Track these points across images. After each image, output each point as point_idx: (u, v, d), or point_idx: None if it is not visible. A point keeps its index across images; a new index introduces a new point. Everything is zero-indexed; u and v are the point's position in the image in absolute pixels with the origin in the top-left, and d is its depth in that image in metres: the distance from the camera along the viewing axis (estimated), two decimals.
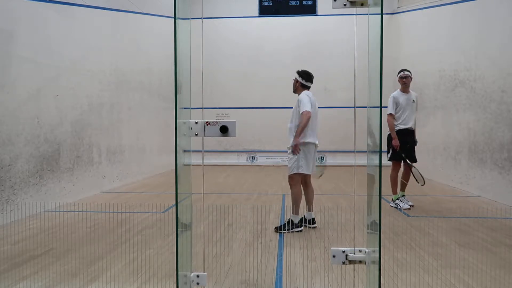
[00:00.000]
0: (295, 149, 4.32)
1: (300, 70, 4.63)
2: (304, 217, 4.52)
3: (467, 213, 5.18)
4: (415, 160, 5.64)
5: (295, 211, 4.39)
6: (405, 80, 5.53)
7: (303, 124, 4.28)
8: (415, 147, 5.67)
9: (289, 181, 4.51)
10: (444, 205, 5.75)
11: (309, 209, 4.55)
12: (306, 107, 4.30)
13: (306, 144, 4.38)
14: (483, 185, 6.42)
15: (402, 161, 5.56)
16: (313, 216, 4.53)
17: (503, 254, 3.62)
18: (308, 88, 4.59)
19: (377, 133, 1.83)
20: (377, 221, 1.83)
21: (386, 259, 3.43)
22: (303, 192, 4.62)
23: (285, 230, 4.33)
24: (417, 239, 4.07)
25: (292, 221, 4.36)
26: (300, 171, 4.38)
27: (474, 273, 3.13)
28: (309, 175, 4.58)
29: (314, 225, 4.51)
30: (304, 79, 4.56)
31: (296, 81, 4.60)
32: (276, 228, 4.41)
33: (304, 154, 4.39)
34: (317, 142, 4.52)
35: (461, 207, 5.60)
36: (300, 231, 4.37)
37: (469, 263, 3.38)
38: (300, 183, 4.50)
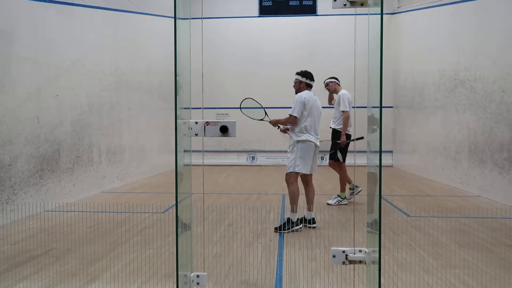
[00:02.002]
0: (272, 122, 4.61)
1: (300, 71, 4.67)
2: (304, 217, 4.53)
3: (467, 213, 5.18)
4: (338, 159, 5.72)
5: (293, 209, 4.40)
6: (327, 88, 5.96)
7: (284, 122, 4.53)
8: (342, 146, 5.69)
9: (286, 180, 4.52)
10: (444, 205, 5.75)
11: (309, 209, 4.56)
12: (295, 111, 4.41)
13: (303, 142, 4.39)
14: (483, 185, 6.42)
15: (341, 160, 5.70)
16: (313, 216, 4.54)
17: (503, 254, 3.62)
18: (311, 87, 4.63)
19: (377, 132, 1.82)
20: (377, 221, 1.83)
21: (386, 259, 3.43)
22: (304, 192, 4.63)
23: (284, 229, 4.34)
24: (417, 239, 4.07)
25: (290, 220, 4.37)
26: (297, 170, 4.40)
27: (474, 273, 3.13)
28: (310, 174, 4.59)
29: (314, 225, 4.51)
30: (309, 79, 4.62)
31: (300, 82, 4.61)
32: (275, 228, 4.41)
33: (301, 153, 4.40)
34: (317, 142, 4.51)
35: (461, 207, 5.61)
36: (300, 229, 4.38)
37: (469, 263, 3.38)
38: (297, 181, 4.50)
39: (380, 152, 1.81)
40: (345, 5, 1.85)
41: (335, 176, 8.41)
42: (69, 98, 6.02)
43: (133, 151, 8.00)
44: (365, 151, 1.96)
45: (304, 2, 10.60)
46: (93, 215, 5.13)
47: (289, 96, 10.94)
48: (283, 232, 4.31)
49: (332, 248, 2.00)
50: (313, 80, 4.63)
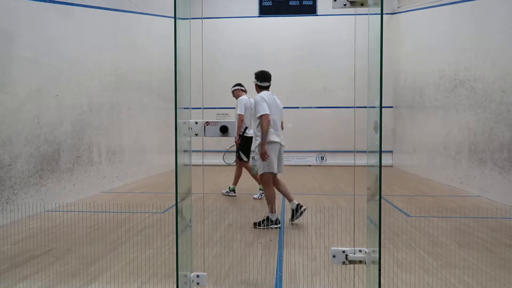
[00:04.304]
0: (263, 156, 4.40)
1: (257, 71, 4.71)
2: (278, 219, 4.55)
3: (467, 213, 5.18)
4: (242, 159, 6.28)
5: (271, 210, 4.49)
6: (233, 96, 6.38)
7: (265, 129, 4.34)
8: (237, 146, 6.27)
9: (262, 182, 4.59)
10: (444, 205, 5.75)
11: (289, 199, 4.65)
12: (263, 110, 4.34)
13: (269, 143, 4.42)
14: (483, 185, 6.42)
15: (242, 160, 6.27)
16: (296, 203, 4.61)
17: (503, 254, 3.62)
18: (266, 88, 4.64)
19: (377, 132, 1.82)
20: (377, 221, 1.83)
21: (386, 259, 3.43)
22: (277, 190, 4.75)
23: (262, 226, 4.44)
24: (417, 239, 4.07)
25: (269, 218, 4.48)
26: (266, 170, 4.47)
27: (474, 273, 3.13)
28: (276, 174, 4.69)
29: (304, 208, 4.60)
30: (259, 80, 4.62)
31: (255, 84, 4.67)
32: (254, 224, 4.52)
33: (268, 153, 4.45)
34: (282, 142, 4.59)
35: (461, 207, 5.61)
36: (278, 228, 4.47)
37: (469, 263, 3.38)
38: (271, 182, 4.59)
39: (380, 152, 1.81)
40: (345, 5, 1.85)
41: (335, 176, 8.39)
42: (69, 98, 6.02)
43: (133, 151, 7.99)
44: (365, 151, 1.95)
45: (304, 2, 10.60)
46: (93, 215, 5.13)
47: (289, 96, 10.91)
48: (260, 228, 4.42)
49: (332, 248, 2.00)
50: (268, 82, 4.63)
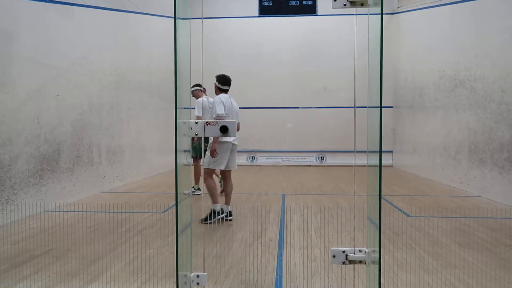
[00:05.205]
0: (212, 153, 4.68)
1: (218, 74, 4.95)
2: (222, 209, 4.81)
3: (467, 213, 5.18)
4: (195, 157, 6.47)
5: (214, 201, 4.74)
6: (193, 96, 6.34)
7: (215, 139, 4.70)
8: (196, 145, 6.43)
9: (203, 175, 4.85)
10: (444, 205, 5.75)
11: (227, 202, 4.91)
12: (220, 111, 4.68)
13: (220, 143, 4.71)
14: (483, 185, 6.42)
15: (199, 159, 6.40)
16: (230, 209, 4.87)
17: (503, 254, 3.62)
18: (225, 91, 4.90)
19: (377, 132, 1.82)
20: (377, 221, 1.83)
21: (386, 259, 3.43)
22: (223, 186, 5.03)
23: (210, 220, 4.66)
24: (417, 239, 4.07)
25: (214, 210, 4.70)
26: (211, 166, 4.74)
27: (474, 273, 3.13)
28: (229, 171, 4.95)
29: (231, 217, 4.85)
30: (220, 83, 4.88)
31: (215, 85, 4.92)
32: (201, 220, 4.69)
33: (217, 152, 4.72)
34: (235, 142, 4.85)
35: (461, 207, 5.61)
36: (223, 217, 4.72)
37: (469, 263, 3.38)
38: (212, 177, 4.85)
39: (380, 152, 1.81)
40: (345, 5, 1.85)
41: (335, 176, 8.40)
42: (69, 98, 6.02)
43: (133, 151, 7.99)
44: (365, 151, 1.95)
45: (304, 2, 10.60)
46: (93, 215, 5.13)
47: (289, 96, 10.91)
48: (209, 223, 4.63)
49: (332, 248, 2.00)
50: (228, 85, 4.89)
